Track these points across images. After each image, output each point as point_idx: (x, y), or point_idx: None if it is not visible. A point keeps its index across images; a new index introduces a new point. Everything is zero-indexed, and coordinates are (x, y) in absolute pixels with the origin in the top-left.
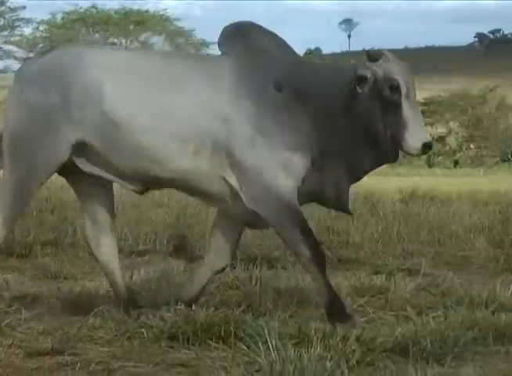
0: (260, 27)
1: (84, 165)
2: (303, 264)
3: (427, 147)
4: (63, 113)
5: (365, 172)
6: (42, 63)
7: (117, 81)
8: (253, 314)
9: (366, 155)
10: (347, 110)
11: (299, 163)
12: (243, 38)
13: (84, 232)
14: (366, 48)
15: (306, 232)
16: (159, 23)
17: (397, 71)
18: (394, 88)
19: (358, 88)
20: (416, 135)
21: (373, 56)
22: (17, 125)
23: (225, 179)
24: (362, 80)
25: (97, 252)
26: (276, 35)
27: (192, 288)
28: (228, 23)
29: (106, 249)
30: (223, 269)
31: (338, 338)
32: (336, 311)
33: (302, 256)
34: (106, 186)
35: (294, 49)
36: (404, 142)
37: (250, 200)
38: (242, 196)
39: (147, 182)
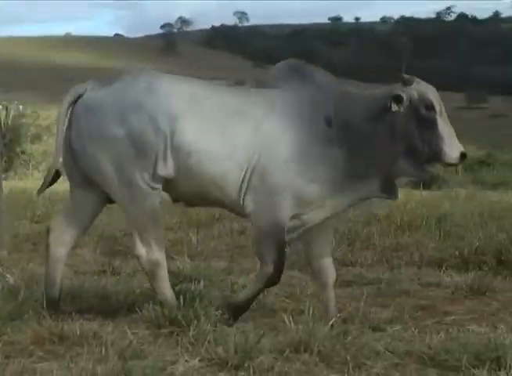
0: (309, 65)
1: None
2: (257, 274)
3: (463, 156)
4: (152, 145)
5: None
6: (118, 93)
7: (190, 111)
8: None
9: (402, 171)
10: (385, 131)
11: (315, 194)
12: (297, 74)
13: (53, 222)
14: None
15: (281, 255)
16: None
17: (430, 92)
18: (430, 107)
19: (394, 106)
20: (453, 146)
21: (407, 80)
22: (113, 162)
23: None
24: (398, 100)
25: (54, 246)
26: (323, 70)
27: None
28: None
29: (65, 249)
30: None
31: None
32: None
33: (263, 270)
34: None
35: None
36: (443, 153)
37: (252, 212)
38: (248, 207)
39: (200, 203)
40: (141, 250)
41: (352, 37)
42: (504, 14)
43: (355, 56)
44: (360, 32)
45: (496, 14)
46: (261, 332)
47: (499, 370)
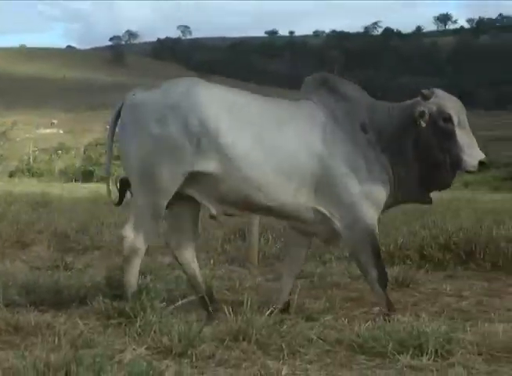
0: (339, 77)
1: (186, 188)
2: (369, 281)
3: (482, 164)
4: (182, 146)
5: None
6: (160, 95)
7: (232, 119)
8: None
9: (427, 181)
10: (412, 143)
11: (382, 194)
12: (329, 87)
13: (166, 236)
14: None
15: (378, 257)
16: None
17: (449, 105)
18: (447, 119)
19: (422, 122)
20: (472, 155)
21: (426, 95)
22: (142, 153)
23: (318, 210)
24: (422, 115)
25: (178, 255)
26: (353, 83)
27: (283, 295)
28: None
29: (188, 253)
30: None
31: None
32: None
33: (369, 275)
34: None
35: None
36: (463, 162)
37: (343, 228)
38: (336, 224)
39: (243, 208)
40: (129, 233)
41: (287, 50)
42: (426, 29)
43: (289, 67)
44: (294, 45)
45: (419, 29)
46: (203, 322)
47: (422, 355)
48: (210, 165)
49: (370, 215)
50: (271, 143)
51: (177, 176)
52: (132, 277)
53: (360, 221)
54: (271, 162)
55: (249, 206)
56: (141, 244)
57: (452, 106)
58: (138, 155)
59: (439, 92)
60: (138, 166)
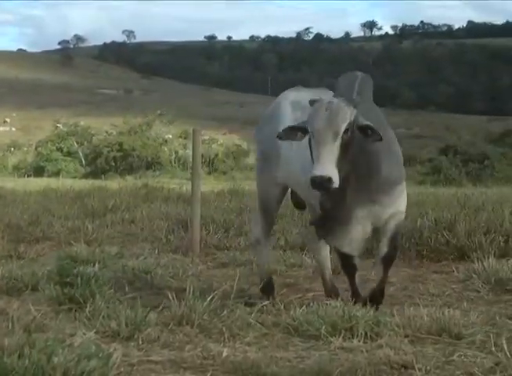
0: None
1: None
2: (383, 261)
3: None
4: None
5: None
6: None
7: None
8: None
9: None
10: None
11: None
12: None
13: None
14: None
15: None
16: None
17: (309, 116)
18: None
19: None
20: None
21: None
22: (257, 153)
23: None
24: None
25: (317, 254)
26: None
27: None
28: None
29: (325, 252)
30: None
31: None
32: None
33: (391, 255)
34: None
35: None
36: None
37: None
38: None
39: None
40: (251, 226)
41: (225, 54)
42: (354, 35)
43: (227, 70)
44: (232, 49)
45: (347, 34)
46: (148, 308)
47: (353, 337)
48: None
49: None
50: None
51: (272, 177)
52: (262, 261)
53: (404, 207)
54: None
55: None
56: (257, 234)
57: (311, 116)
58: (257, 156)
59: (317, 99)
60: (256, 165)
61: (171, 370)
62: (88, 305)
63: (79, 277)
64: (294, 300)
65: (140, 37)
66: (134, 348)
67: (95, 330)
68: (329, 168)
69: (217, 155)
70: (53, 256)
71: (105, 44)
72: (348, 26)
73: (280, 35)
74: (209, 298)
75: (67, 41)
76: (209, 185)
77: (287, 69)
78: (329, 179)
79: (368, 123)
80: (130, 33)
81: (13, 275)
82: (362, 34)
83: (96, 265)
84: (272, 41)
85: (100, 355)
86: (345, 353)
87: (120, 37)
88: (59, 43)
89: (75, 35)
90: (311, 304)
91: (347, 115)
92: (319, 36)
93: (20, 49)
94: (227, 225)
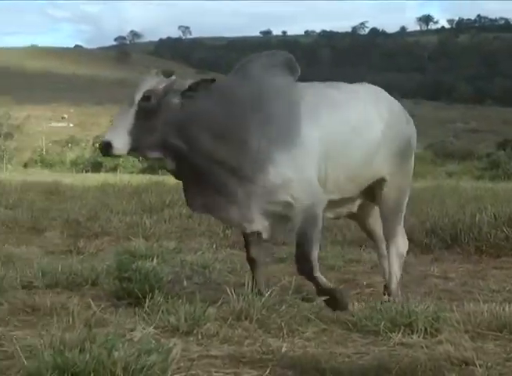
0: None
1: None
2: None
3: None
4: None
5: None
6: None
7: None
8: None
9: None
10: None
11: None
12: None
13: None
14: None
15: None
16: None
17: None
18: None
19: None
20: None
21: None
22: None
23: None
24: None
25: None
26: None
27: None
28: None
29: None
30: None
31: None
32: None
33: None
34: None
35: None
36: None
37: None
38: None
39: None
40: (398, 239)
41: (280, 49)
42: (409, 29)
43: None
44: (287, 44)
45: (403, 28)
46: (207, 303)
47: (412, 333)
48: None
49: None
50: None
51: None
52: None
53: None
54: None
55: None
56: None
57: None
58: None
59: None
60: None
61: (230, 365)
62: (146, 300)
63: (138, 272)
64: (353, 295)
65: (196, 33)
66: (193, 343)
67: (154, 325)
68: (114, 133)
69: None
70: (112, 251)
71: (161, 40)
72: (404, 20)
73: (335, 30)
74: (267, 293)
75: (124, 38)
76: None
77: (343, 64)
78: (108, 144)
79: (189, 84)
80: (186, 29)
81: (73, 270)
82: (418, 28)
83: (155, 260)
84: (328, 36)
85: (160, 350)
86: (405, 349)
87: (175, 33)
88: (116, 39)
89: (131, 31)
90: (370, 299)
91: (145, 84)
92: (374, 30)
93: (77, 46)
94: None
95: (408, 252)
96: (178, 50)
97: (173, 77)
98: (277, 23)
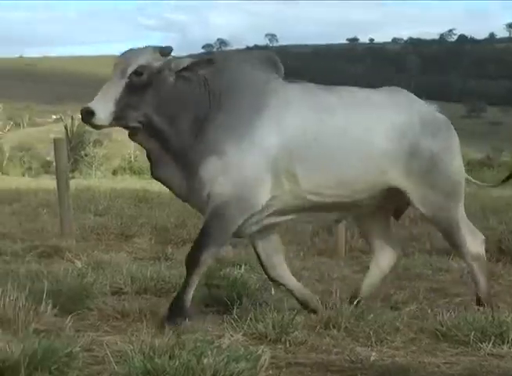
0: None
1: None
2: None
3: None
4: None
5: None
6: None
7: None
8: None
9: None
10: None
11: None
12: None
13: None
14: None
15: None
16: None
17: None
18: None
19: None
20: None
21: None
22: None
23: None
24: None
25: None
26: None
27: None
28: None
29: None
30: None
31: None
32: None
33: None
34: None
35: None
36: None
37: None
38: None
39: None
40: (466, 240)
41: (367, 56)
42: (498, 35)
43: (370, 72)
44: (374, 51)
45: (492, 35)
46: (295, 311)
47: (503, 344)
48: None
49: None
50: None
51: None
52: None
53: None
54: None
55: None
56: None
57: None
58: None
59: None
60: None
61: (318, 373)
62: (234, 307)
63: (225, 279)
64: (442, 305)
65: (282, 41)
66: (281, 350)
67: (242, 333)
68: (99, 102)
69: None
70: None
71: (247, 47)
72: (492, 27)
73: (423, 37)
74: (355, 302)
75: (211, 45)
76: None
77: (430, 71)
78: (91, 112)
79: (187, 63)
80: (272, 36)
81: (161, 276)
82: (507, 34)
83: (242, 267)
84: (415, 43)
85: (248, 357)
86: (495, 360)
87: (262, 41)
88: (203, 47)
89: (218, 39)
90: (459, 309)
91: (139, 57)
92: (462, 37)
93: None
94: None
95: (498, 262)
96: None
97: (170, 57)
98: (364, 30)
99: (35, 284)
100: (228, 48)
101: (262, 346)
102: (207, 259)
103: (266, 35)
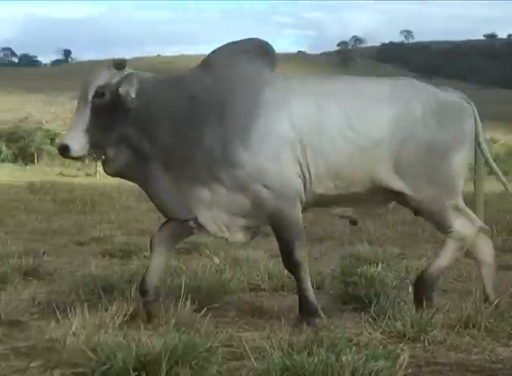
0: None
1: None
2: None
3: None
4: None
5: None
6: None
7: None
8: None
9: None
10: None
11: None
12: None
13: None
14: None
15: None
16: None
17: None
18: None
19: None
20: None
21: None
22: None
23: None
24: None
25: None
26: None
27: None
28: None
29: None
30: None
31: None
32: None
33: None
34: None
35: None
36: None
37: None
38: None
39: None
40: None
41: (506, 52)
42: None
43: (508, 69)
44: None
45: None
46: (434, 309)
47: None
48: None
49: None
50: None
51: None
52: None
53: None
54: None
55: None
56: None
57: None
58: None
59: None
60: None
61: (458, 373)
62: (372, 305)
63: (363, 277)
64: None
65: (418, 38)
66: (420, 349)
67: (380, 331)
68: (70, 135)
69: (498, 155)
70: (336, 255)
71: (383, 44)
72: None
73: None
74: (495, 301)
75: (346, 43)
76: (489, 185)
77: None
78: (65, 147)
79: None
80: (408, 33)
81: None
82: None
83: (379, 265)
84: None
85: (387, 355)
86: None
87: (397, 38)
88: (338, 44)
89: (353, 36)
90: None
91: (98, 79)
92: None
93: (300, 51)
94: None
95: None
96: (399, 54)
97: (125, 71)
98: (503, 25)
99: (174, 280)
100: (362, 45)
101: (401, 345)
102: (302, 253)
103: (401, 32)
